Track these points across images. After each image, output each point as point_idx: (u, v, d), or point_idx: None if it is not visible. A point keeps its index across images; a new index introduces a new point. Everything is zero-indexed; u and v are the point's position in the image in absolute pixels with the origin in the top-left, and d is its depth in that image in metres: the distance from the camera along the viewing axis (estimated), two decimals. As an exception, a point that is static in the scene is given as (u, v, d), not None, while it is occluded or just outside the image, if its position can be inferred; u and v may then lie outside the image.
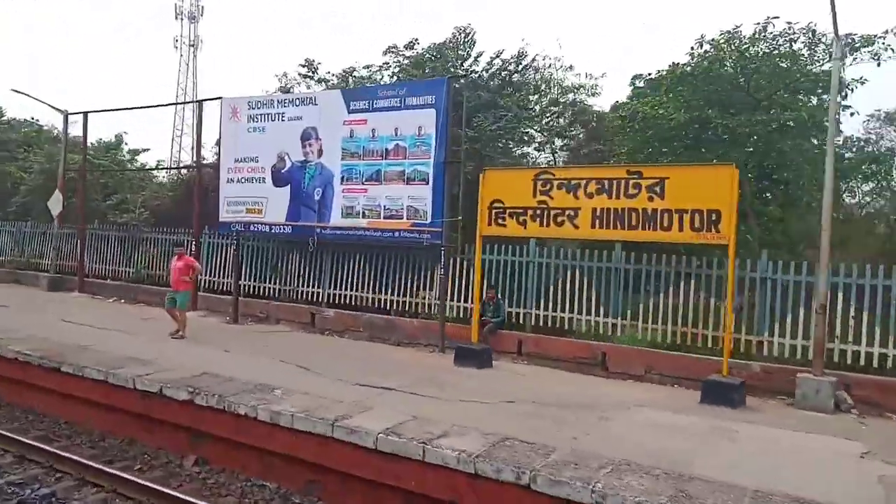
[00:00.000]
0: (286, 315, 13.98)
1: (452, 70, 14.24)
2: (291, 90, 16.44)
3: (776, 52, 15.08)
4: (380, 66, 15.82)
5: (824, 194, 8.60)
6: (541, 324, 11.40)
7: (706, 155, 16.07)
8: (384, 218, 12.28)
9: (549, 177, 9.73)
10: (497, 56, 14.36)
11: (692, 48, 16.35)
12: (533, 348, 11.05)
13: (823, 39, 14.62)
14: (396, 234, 12.14)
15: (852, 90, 14.97)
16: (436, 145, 11.72)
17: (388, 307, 13.13)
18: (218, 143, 15.45)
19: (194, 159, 16.37)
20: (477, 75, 14.29)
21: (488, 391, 8.27)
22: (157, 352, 9.63)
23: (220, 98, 14.69)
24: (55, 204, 17.79)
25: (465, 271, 12.24)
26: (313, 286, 14.03)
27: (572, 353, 10.63)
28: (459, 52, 14.89)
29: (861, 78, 14.73)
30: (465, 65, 14.58)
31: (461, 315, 12.13)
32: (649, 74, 16.54)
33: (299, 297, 14.21)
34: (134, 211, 17.01)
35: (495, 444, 5.82)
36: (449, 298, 12.20)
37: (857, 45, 14.50)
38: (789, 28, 14.57)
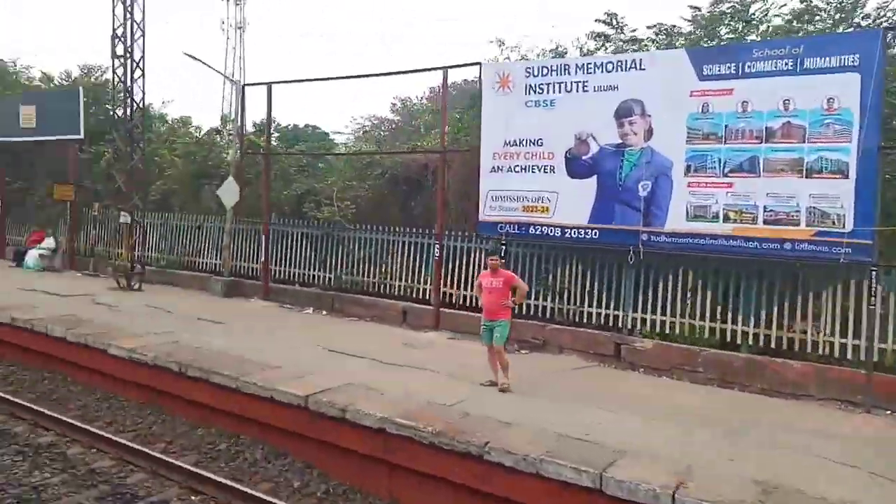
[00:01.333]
0: (573, 343, 10.79)
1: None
2: (565, 55, 13.14)
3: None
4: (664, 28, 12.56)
5: None
6: None
7: None
8: (763, 223, 8.98)
9: None
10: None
11: None
12: None
13: None
14: (786, 245, 8.82)
15: None
16: (860, 124, 8.38)
17: (733, 340, 9.85)
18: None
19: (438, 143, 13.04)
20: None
21: None
22: (574, 420, 6.55)
23: (478, 63, 11.54)
24: (229, 194, 14.86)
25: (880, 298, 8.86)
26: (610, 308, 10.80)
27: None
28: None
29: None
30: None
31: (883, 360, 8.77)
32: None
33: (585, 319, 11.02)
34: (332, 204, 13.98)
35: None
36: (850, 336, 8.91)
37: None
38: None
